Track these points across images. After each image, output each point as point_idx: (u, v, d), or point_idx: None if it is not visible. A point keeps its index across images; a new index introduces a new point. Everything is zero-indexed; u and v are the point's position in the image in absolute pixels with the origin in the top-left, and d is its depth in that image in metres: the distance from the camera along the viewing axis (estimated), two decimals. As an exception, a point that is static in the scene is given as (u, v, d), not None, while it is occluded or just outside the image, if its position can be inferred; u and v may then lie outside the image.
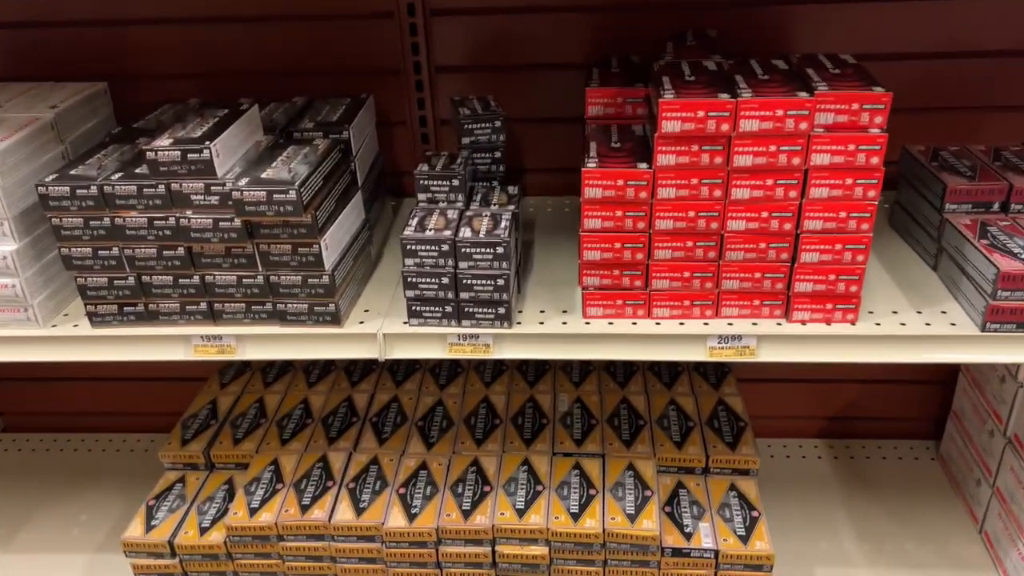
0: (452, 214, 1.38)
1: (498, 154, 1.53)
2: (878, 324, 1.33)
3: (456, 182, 1.40)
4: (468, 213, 1.38)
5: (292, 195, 1.24)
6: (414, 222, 1.35)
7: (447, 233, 1.31)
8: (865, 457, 2.09)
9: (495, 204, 1.42)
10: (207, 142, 1.26)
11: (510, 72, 1.75)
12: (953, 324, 1.32)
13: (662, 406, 1.86)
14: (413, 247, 1.31)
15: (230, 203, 1.26)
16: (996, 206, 1.42)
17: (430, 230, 1.33)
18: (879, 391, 2.10)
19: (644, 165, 1.26)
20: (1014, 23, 1.63)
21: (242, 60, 1.77)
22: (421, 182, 1.41)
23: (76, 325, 1.43)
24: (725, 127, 1.19)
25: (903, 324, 1.32)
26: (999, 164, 1.47)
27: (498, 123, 1.52)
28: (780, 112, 1.17)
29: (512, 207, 1.41)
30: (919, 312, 1.35)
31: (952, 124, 1.73)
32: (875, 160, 1.20)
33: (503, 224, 1.33)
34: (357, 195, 1.48)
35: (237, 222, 1.29)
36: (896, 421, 2.12)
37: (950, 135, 1.72)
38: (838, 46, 1.65)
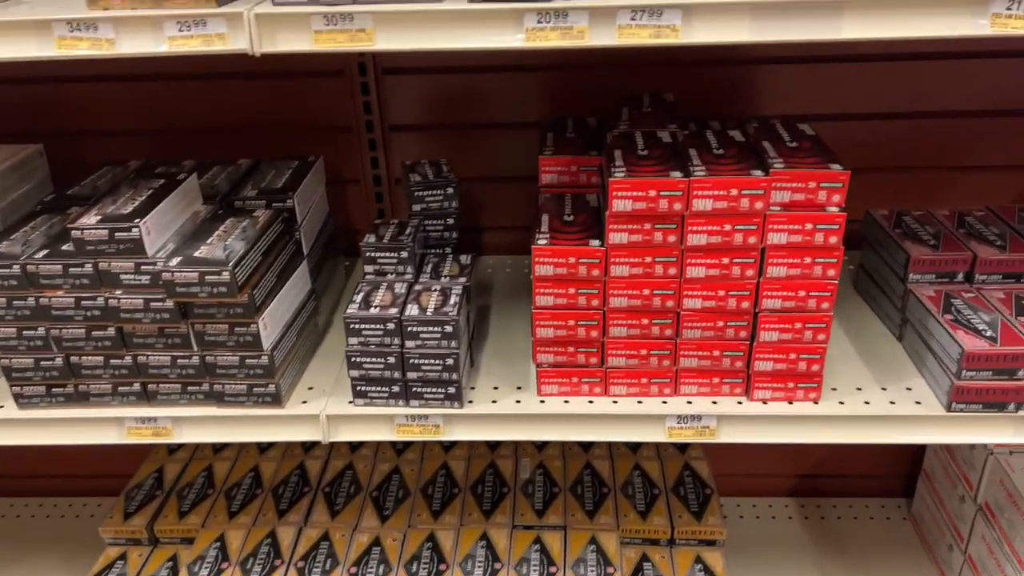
0: (400, 288, 1.32)
1: (451, 221, 1.48)
2: (842, 403, 1.28)
3: (404, 254, 1.35)
4: (417, 287, 1.32)
5: (225, 276, 1.18)
6: (359, 298, 1.29)
7: (393, 311, 1.25)
8: (836, 517, 2.03)
9: (446, 276, 1.37)
10: (136, 220, 1.20)
11: (466, 131, 1.70)
12: (918, 403, 1.27)
13: (627, 471, 1.80)
14: (357, 326, 1.25)
15: (161, 283, 1.20)
16: (960, 276, 1.38)
17: (375, 307, 1.26)
18: (849, 447, 2.05)
19: (596, 242, 1.21)
20: (976, 84, 1.61)
21: (190, 118, 1.71)
22: (368, 254, 1.35)
23: (1, 407, 1.35)
24: (678, 206, 1.15)
25: (867, 403, 1.28)
26: (963, 231, 1.44)
27: (450, 189, 1.46)
28: (734, 192, 1.13)
29: (463, 279, 1.35)
30: (884, 389, 1.31)
31: (915, 184, 1.70)
32: (834, 239, 1.15)
33: (452, 300, 1.28)
34: (302, 265, 1.41)
35: (169, 302, 1.22)
36: (867, 478, 2.08)
37: (914, 195, 1.70)
38: (800, 106, 1.63)
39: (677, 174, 1.15)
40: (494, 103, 1.68)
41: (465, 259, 1.42)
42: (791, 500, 2.09)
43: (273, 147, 1.69)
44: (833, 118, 1.65)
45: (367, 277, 1.36)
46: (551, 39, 1.00)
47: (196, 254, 1.21)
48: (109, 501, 2.13)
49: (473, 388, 1.36)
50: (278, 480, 1.82)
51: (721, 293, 1.21)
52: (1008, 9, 0.95)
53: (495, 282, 1.70)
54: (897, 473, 2.07)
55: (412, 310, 1.25)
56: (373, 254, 1.35)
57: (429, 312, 1.25)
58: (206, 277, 1.18)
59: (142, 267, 1.21)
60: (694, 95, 1.63)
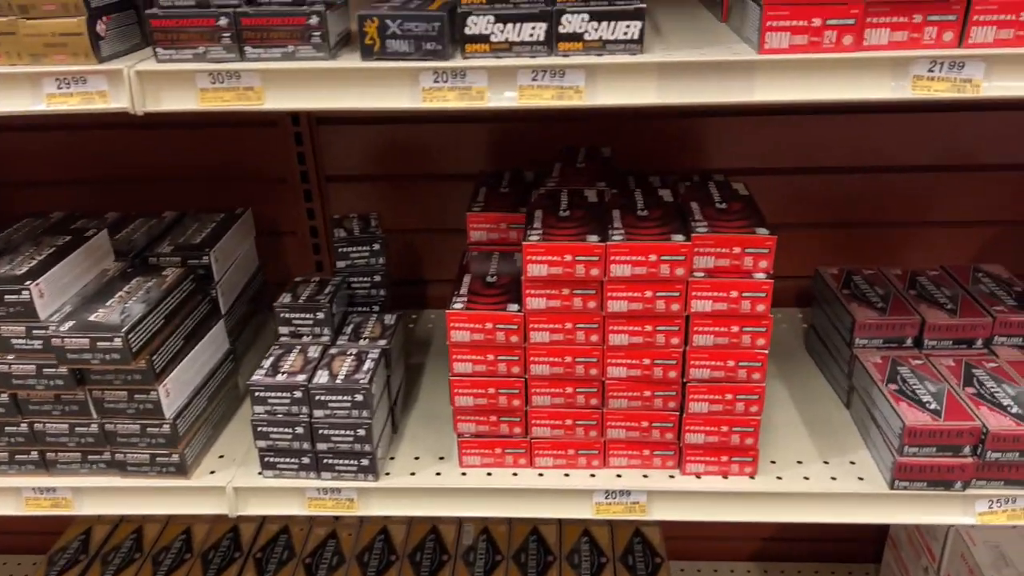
0: (313, 352, 1.25)
1: (378, 278, 1.41)
2: (779, 478, 1.20)
3: (321, 315, 1.28)
4: (332, 351, 1.26)
5: (118, 342, 1.11)
6: (267, 363, 1.22)
7: (301, 378, 1.18)
8: (801, 584, 1.94)
9: (365, 338, 1.30)
10: (28, 282, 1.14)
11: (407, 182, 1.65)
12: (861, 479, 1.19)
13: (574, 538, 1.72)
14: (263, 393, 1.18)
15: (52, 349, 1.13)
16: (909, 341, 1.31)
17: (283, 373, 1.20)
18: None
19: (515, 307, 1.14)
20: (938, 137, 1.55)
21: (124, 167, 1.65)
22: (282, 315, 1.29)
23: None
24: (595, 272, 1.08)
25: (807, 478, 1.20)
26: (914, 293, 1.37)
27: (376, 245, 1.40)
28: (653, 257, 1.07)
29: (383, 342, 1.28)
30: (826, 462, 1.23)
31: (872, 240, 1.64)
32: (761, 308, 1.09)
33: (367, 366, 1.21)
34: (218, 325, 1.35)
35: (63, 368, 1.15)
36: (835, 542, 1.98)
37: (871, 251, 1.64)
38: (750, 159, 1.58)
39: (594, 238, 1.08)
40: (436, 154, 1.62)
41: (389, 319, 1.35)
42: (754, 565, 2.00)
43: (207, 198, 1.63)
44: (786, 172, 1.59)
45: (281, 339, 1.29)
46: (449, 99, 0.94)
47: (91, 318, 1.15)
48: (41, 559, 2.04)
49: (393, 458, 1.28)
50: (209, 544, 1.73)
51: (646, 362, 1.14)
52: (930, 71, 0.90)
53: (434, 338, 1.63)
54: (865, 537, 1.97)
55: (321, 377, 1.18)
56: (288, 315, 1.29)
57: (339, 379, 1.18)
58: (98, 343, 1.11)
59: (34, 331, 1.15)
60: (640, 147, 1.57)
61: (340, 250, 1.39)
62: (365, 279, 1.41)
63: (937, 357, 1.28)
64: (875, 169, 1.58)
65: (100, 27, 0.96)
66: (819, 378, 1.45)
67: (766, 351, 1.12)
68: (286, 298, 1.30)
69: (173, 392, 1.21)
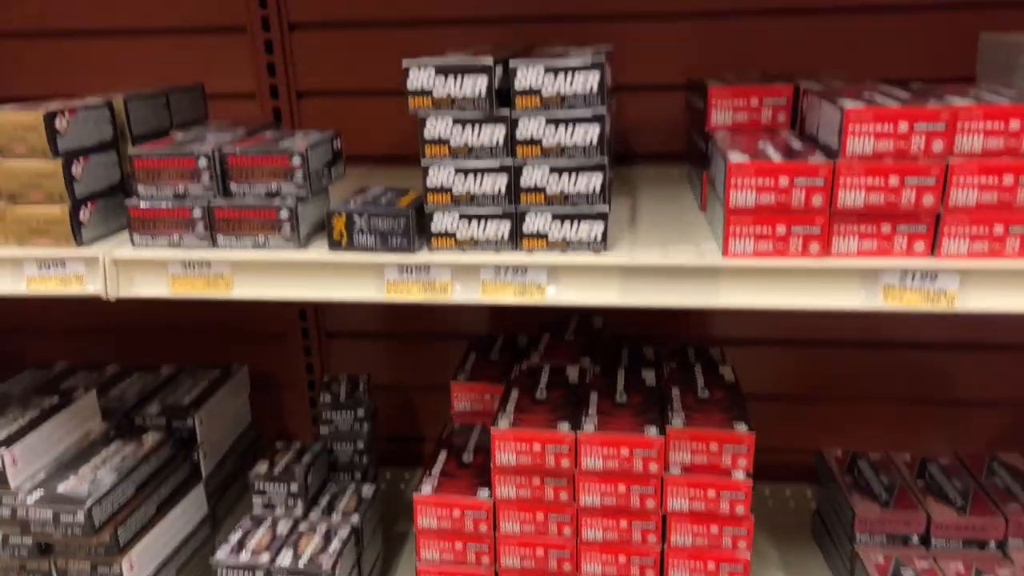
0: (283, 526, 1.22)
1: (361, 444, 1.39)
2: None
3: (294, 487, 1.25)
4: (302, 526, 1.22)
5: (79, 517, 1.09)
6: (234, 538, 1.19)
7: (264, 558, 1.14)
8: None
9: (339, 511, 1.26)
10: (2, 448, 1.14)
11: (404, 339, 1.65)
12: None
13: None
14: (225, 573, 1.14)
15: (17, 520, 1.12)
16: (915, 539, 1.22)
17: (247, 551, 1.16)
18: None
19: (485, 493, 1.10)
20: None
21: (131, 317, 1.68)
22: (256, 485, 1.26)
23: None
24: (566, 463, 1.04)
25: None
26: (921, 484, 1.28)
27: (361, 411, 1.39)
28: (625, 451, 1.02)
29: (356, 518, 1.24)
30: (823, 676, 1.13)
31: (882, 416, 1.56)
32: (740, 509, 1.02)
33: (333, 547, 1.16)
34: (196, 489, 1.33)
35: (28, 539, 1.14)
36: None
37: (882, 428, 1.56)
38: (752, 329, 1.53)
39: (565, 427, 1.05)
40: (435, 312, 1.63)
41: (367, 491, 1.32)
42: None
43: (209, 350, 1.65)
44: (795, 343, 1.54)
45: (254, 512, 1.26)
46: (413, 293, 0.94)
47: (60, 488, 1.14)
48: None
49: (359, 643, 1.22)
50: None
51: (623, 559, 1.08)
52: (902, 282, 0.87)
53: (425, 501, 1.58)
54: None
55: (285, 558, 1.14)
56: (262, 485, 1.26)
57: (303, 562, 1.14)
58: (61, 517, 1.10)
59: (2, 500, 1.14)
60: (640, 313, 1.55)
61: (324, 415, 1.38)
62: (348, 444, 1.39)
63: (946, 560, 1.18)
64: (888, 345, 1.53)
65: (84, 215, 0.99)
66: (823, 570, 1.34)
67: (748, 555, 1.04)
68: (262, 467, 1.28)
69: (139, 564, 1.18)
